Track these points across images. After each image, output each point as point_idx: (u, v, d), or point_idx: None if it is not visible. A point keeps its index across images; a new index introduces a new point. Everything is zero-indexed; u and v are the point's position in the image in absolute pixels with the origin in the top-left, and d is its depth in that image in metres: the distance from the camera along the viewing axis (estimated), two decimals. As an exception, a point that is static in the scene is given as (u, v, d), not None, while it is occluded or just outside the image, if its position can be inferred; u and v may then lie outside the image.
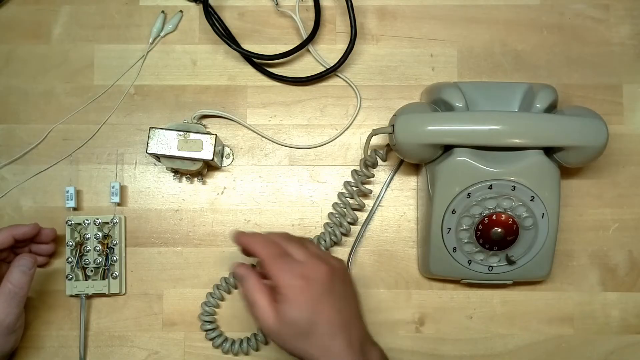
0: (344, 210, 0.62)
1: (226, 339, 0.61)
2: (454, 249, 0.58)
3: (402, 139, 0.55)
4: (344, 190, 0.62)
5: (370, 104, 0.64)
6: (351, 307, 0.52)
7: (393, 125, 0.55)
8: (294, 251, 0.50)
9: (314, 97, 0.64)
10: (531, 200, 0.56)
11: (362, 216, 0.63)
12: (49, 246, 0.60)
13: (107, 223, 0.62)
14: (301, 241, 0.53)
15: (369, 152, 0.61)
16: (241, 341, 0.61)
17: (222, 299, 0.62)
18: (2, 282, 0.54)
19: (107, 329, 0.62)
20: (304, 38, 0.63)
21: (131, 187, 0.63)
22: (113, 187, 0.62)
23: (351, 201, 0.62)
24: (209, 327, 0.61)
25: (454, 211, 0.56)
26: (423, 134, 0.54)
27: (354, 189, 0.61)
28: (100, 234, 0.61)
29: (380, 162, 0.63)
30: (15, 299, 0.54)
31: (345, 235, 0.62)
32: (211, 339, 0.61)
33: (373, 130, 0.58)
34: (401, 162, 0.63)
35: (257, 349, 0.61)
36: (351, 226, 0.62)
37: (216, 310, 0.62)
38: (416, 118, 0.55)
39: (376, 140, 0.63)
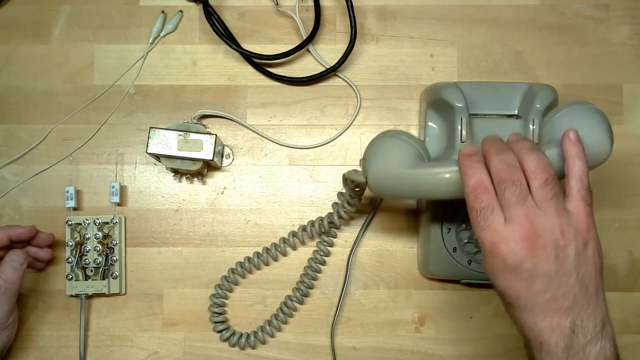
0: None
1: (234, 332, 0.61)
2: (454, 249, 0.58)
3: (376, 191, 0.51)
4: (343, 191, 0.62)
5: (370, 104, 0.64)
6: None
7: (366, 178, 0.51)
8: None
9: (314, 97, 0.64)
10: (531, 200, 0.56)
11: (362, 216, 0.63)
12: (47, 252, 0.60)
13: (107, 223, 0.62)
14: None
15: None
16: (248, 335, 0.61)
17: (231, 290, 0.62)
18: None
19: (107, 329, 0.62)
20: (304, 38, 0.63)
21: (131, 187, 0.63)
22: (113, 187, 0.62)
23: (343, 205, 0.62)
24: (218, 319, 0.61)
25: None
26: (400, 192, 0.50)
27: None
28: (100, 234, 0.61)
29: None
30: (6, 295, 0.54)
31: (335, 227, 0.62)
32: (219, 331, 0.61)
33: (344, 174, 0.55)
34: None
35: (264, 342, 0.61)
36: (343, 218, 0.61)
37: (225, 301, 0.62)
38: (392, 175, 0.49)
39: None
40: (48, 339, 0.62)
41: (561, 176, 0.45)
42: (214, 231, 0.63)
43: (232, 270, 0.62)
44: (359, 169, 0.61)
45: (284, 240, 0.62)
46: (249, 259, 0.62)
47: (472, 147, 0.45)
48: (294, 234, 0.61)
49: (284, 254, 0.62)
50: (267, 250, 0.62)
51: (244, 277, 0.62)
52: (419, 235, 0.62)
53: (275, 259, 0.62)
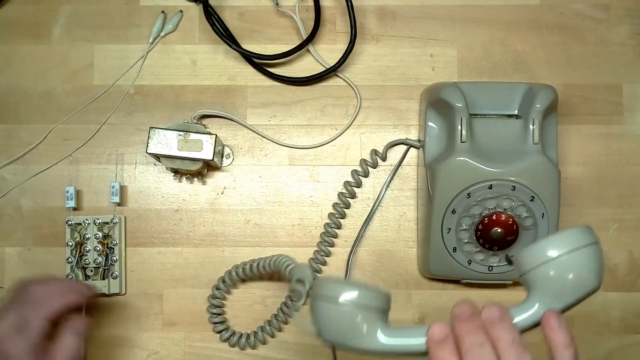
0: (344, 210, 0.62)
1: (234, 332, 0.61)
2: (454, 249, 0.58)
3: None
4: (344, 190, 0.62)
5: (370, 104, 0.64)
6: None
7: (320, 333, 0.43)
8: None
9: (314, 97, 0.64)
10: (531, 200, 0.56)
11: (362, 216, 0.63)
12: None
13: (107, 223, 0.62)
14: None
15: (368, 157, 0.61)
16: (248, 335, 0.61)
17: (228, 292, 0.62)
18: (57, 349, 0.50)
19: (107, 329, 0.62)
20: (304, 38, 0.63)
21: (131, 187, 0.63)
22: (113, 187, 0.62)
23: (350, 200, 0.62)
24: (217, 319, 0.61)
25: (454, 211, 0.56)
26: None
27: (354, 189, 0.62)
28: (100, 234, 0.61)
29: (380, 162, 0.63)
30: None
31: (338, 228, 0.62)
32: (219, 332, 0.61)
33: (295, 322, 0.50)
34: (401, 162, 0.63)
35: (264, 342, 0.61)
36: (343, 220, 0.62)
37: (223, 302, 0.62)
38: (349, 347, 0.42)
39: (374, 142, 0.63)
40: (48, 339, 0.62)
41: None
42: (214, 231, 0.63)
43: (229, 273, 0.61)
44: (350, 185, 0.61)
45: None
46: (244, 264, 0.61)
47: (442, 329, 0.40)
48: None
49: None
50: (258, 261, 0.61)
51: (237, 282, 0.62)
52: (419, 235, 0.62)
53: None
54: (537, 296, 0.41)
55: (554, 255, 0.40)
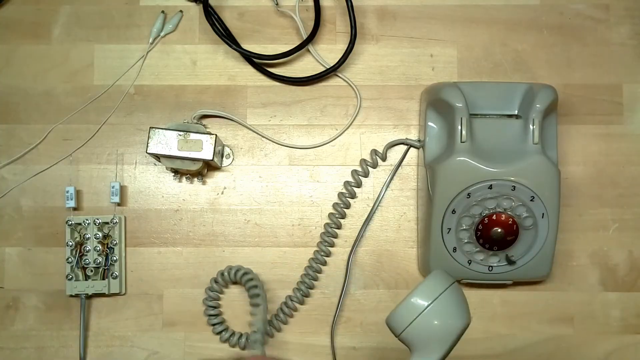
0: (344, 210, 0.62)
1: (234, 333, 0.61)
2: (454, 249, 0.58)
3: None
4: (344, 190, 0.62)
5: (370, 104, 0.64)
6: None
7: None
8: None
9: (314, 97, 0.64)
10: (531, 200, 0.56)
11: (362, 216, 0.63)
12: None
13: (107, 223, 0.62)
14: None
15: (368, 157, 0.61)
16: (248, 335, 0.61)
17: (221, 292, 0.62)
18: None
19: (107, 329, 0.62)
20: (304, 38, 0.63)
21: (131, 187, 0.63)
22: (113, 187, 0.62)
23: (351, 200, 0.62)
24: (215, 320, 0.61)
25: (454, 211, 0.56)
26: None
27: (354, 189, 0.62)
28: (100, 234, 0.61)
29: (380, 162, 0.63)
30: None
31: (338, 227, 0.62)
32: (219, 333, 0.60)
33: None
34: (401, 162, 0.63)
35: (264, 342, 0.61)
36: (343, 220, 0.62)
37: (219, 302, 0.62)
38: None
39: (374, 142, 0.63)
40: (48, 339, 0.62)
41: None
42: (214, 231, 0.63)
43: (221, 274, 0.61)
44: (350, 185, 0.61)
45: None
46: (238, 268, 0.61)
47: None
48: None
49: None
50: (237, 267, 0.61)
51: (227, 287, 0.62)
52: (419, 235, 0.62)
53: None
54: (419, 351, 0.44)
55: (419, 310, 0.43)
